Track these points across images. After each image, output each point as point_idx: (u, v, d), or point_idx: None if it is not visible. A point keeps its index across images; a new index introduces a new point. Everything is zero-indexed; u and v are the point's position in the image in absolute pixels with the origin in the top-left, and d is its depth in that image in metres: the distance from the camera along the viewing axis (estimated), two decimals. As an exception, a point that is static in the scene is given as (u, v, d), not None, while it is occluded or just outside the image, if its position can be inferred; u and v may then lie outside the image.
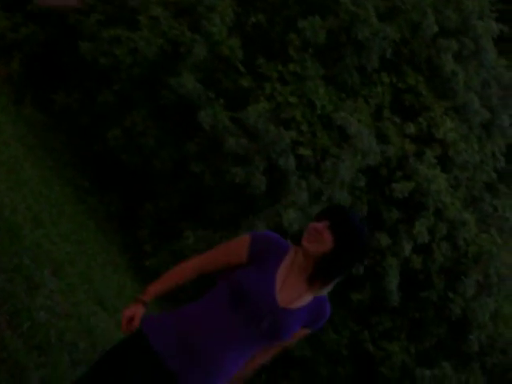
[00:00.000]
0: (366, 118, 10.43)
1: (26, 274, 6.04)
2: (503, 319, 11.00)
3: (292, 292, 3.57)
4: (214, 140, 10.01)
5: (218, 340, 3.48)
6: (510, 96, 12.03)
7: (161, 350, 3.50)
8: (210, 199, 10.32)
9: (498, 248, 10.80)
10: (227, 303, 3.51)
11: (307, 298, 3.58)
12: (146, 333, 3.57)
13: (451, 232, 10.66)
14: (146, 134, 10.53)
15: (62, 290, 6.64)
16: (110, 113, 10.88)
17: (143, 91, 10.75)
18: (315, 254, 3.53)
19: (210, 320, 3.51)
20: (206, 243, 9.23)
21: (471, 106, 11.23)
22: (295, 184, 9.77)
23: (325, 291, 3.65)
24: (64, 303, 6.32)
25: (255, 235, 3.69)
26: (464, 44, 11.25)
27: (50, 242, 7.57)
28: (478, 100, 11.31)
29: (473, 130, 11.41)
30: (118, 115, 10.70)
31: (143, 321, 3.62)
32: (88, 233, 9.64)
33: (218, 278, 3.63)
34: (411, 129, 10.67)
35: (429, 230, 10.37)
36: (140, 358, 3.53)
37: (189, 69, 10.19)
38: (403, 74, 11.03)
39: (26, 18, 11.75)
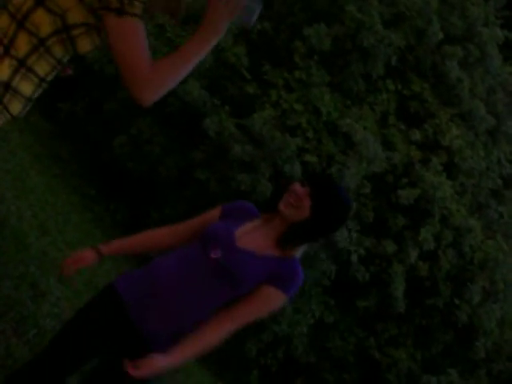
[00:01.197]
0: (371, 124, 10.43)
1: (31, 282, 6.06)
2: (509, 326, 10.98)
3: (254, 241, 3.54)
4: (220, 147, 10.02)
5: (179, 278, 3.49)
6: (515, 102, 12.03)
7: (127, 299, 3.51)
8: (216, 206, 10.31)
9: (504, 254, 10.78)
10: (196, 251, 3.56)
11: (272, 251, 3.52)
12: (117, 283, 3.59)
13: (457, 239, 10.64)
14: (152, 142, 10.56)
15: (67, 297, 6.66)
16: (116, 121, 10.91)
17: (149, 99, 10.76)
18: (290, 219, 3.49)
19: (174, 263, 3.55)
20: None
21: (477, 112, 11.23)
22: (301, 191, 9.76)
23: (294, 253, 3.56)
24: (70, 310, 6.33)
25: (229, 203, 3.89)
26: (469, 51, 11.26)
27: (56, 250, 7.58)
28: (484, 107, 11.31)
29: (478, 137, 11.41)
30: (124, 123, 10.73)
31: (118, 277, 3.66)
32: (94, 241, 9.64)
33: None
34: (417, 136, 10.67)
35: (434, 237, 10.35)
36: (108, 307, 3.55)
37: (194, 76, 10.21)
38: (408, 80, 11.04)
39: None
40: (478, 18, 11.38)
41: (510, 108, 11.92)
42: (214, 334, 3.41)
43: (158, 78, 2.99)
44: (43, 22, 2.93)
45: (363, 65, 10.57)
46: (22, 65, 2.97)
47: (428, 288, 10.65)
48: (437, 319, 10.75)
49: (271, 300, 3.46)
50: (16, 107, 3.04)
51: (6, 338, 4.96)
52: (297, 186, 3.51)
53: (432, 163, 10.54)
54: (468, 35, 11.38)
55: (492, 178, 11.51)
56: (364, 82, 10.73)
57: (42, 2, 2.93)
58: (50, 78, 3.16)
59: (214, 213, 3.81)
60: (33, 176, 9.33)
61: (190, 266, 3.49)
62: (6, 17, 2.97)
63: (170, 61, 3.11)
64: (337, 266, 10.13)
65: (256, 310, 3.46)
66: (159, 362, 3.30)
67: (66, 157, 11.22)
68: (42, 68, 3.06)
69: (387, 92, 10.84)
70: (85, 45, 3.04)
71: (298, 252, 3.57)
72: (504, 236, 11.28)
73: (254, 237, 3.54)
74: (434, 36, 10.85)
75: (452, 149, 10.82)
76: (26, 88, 3.02)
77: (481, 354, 10.71)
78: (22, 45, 2.94)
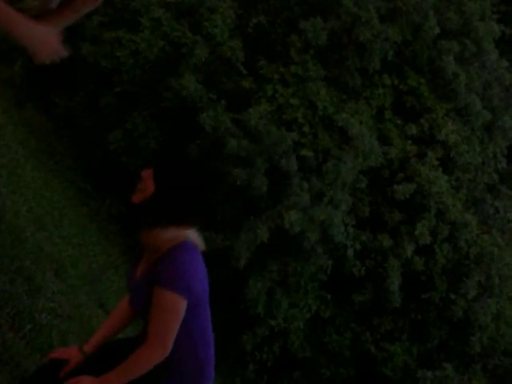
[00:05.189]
0: (367, 119, 10.43)
1: (27, 276, 6.04)
2: (505, 320, 10.98)
3: (142, 265, 3.51)
4: (216, 142, 10.01)
5: None
6: (511, 97, 12.02)
7: None
8: (212, 201, 10.29)
9: (500, 249, 10.79)
10: None
11: (153, 258, 3.41)
12: None
13: (453, 233, 10.65)
14: (148, 136, 10.53)
15: (63, 291, 6.64)
16: (111, 115, 10.89)
17: (145, 93, 10.76)
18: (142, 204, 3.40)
19: None
20: (208, 244, 9.22)
21: (473, 107, 11.23)
22: (297, 185, 9.77)
23: (173, 242, 3.40)
24: (66, 305, 6.32)
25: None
26: (465, 45, 11.25)
27: (51, 245, 7.57)
28: (480, 101, 11.31)
29: (474, 132, 11.41)
30: (120, 117, 10.71)
31: None
32: (90, 235, 9.64)
33: None
34: (413, 130, 10.67)
35: (430, 232, 10.36)
36: None
37: (190, 70, 10.20)
38: (405, 75, 11.03)
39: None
40: (474, 12, 11.38)
41: (506, 103, 11.92)
42: (138, 359, 3.37)
43: None
44: None
45: (359, 59, 10.56)
46: None
47: (424, 282, 10.66)
48: (432, 314, 10.76)
49: (159, 302, 3.32)
50: None
51: (2, 333, 4.94)
52: (143, 172, 3.44)
53: (428, 158, 10.54)
54: (464, 30, 11.38)
55: (488, 173, 11.52)
56: (360, 77, 10.72)
57: None
58: None
59: None
60: (28, 171, 9.31)
61: None
62: None
63: None
64: (333, 261, 10.14)
65: (155, 318, 3.34)
66: None
67: (61, 151, 11.20)
68: None
69: (383, 87, 10.83)
70: None
71: (181, 236, 3.42)
72: (499, 231, 11.30)
73: (144, 261, 3.52)
74: (431, 31, 10.85)
75: (448, 143, 10.82)
76: None
77: (476, 348, 10.72)
78: None
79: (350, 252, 10.11)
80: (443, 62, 10.96)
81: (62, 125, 11.58)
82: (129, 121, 10.61)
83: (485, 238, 10.81)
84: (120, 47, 10.47)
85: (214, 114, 9.95)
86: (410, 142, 10.66)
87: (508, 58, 12.31)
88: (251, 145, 9.79)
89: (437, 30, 10.88)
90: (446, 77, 11.09)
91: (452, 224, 10.63)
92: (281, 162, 9.74)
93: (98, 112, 11.08)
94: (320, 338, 10.50)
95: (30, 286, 5.93)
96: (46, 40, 3.40)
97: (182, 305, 3.32)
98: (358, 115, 10.35)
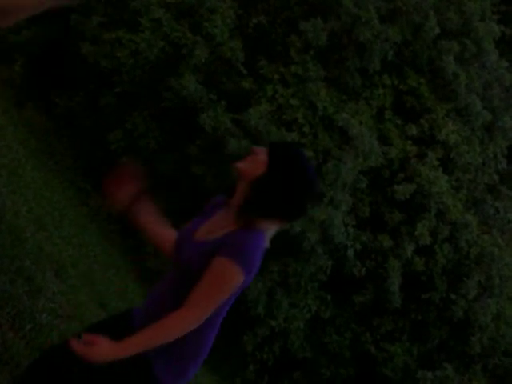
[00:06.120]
0: (367, 119, 10.43)
1: (28, 276, 6.04)
2: (505, 320, 10.98)
3: (211, 228, 3.41)
4: (216, 142, 10.01)
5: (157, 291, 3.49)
6: (511, 98, 12.02)
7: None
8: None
9: (500, 249, 10.79)
10: None
11: (229, 228, 3.33)
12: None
13: (453, 234, 10.65)
14: (148, 136, 10.54)
15: (64, 291, 6.64)
16: (111, 115, 10.89)
17: (145, 93, 10.76)
18: (246, 176, 3.32)
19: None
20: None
21: (473, 107, 11.23)
22: (297, 186, 9.75)
23: (257, 225, 3.32)
24: (66, 305, 6.32)
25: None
26: (465, 46, 11.26)
27: (52, 245, 7.57)
28: (480, 102, 11.31)
29: (475, 132, 11.41)
30: (120, 117, 10.71)
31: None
32: (90, 235, 9.64)
33: None
34: (413, 130, 10.67)
35: (431, 232, 10.36)
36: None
37: (190, 70, 10.20)
38: (405, 75, 11.03)
39: (28, 20, 11.76)
40: (474, 12, 11.38)
41: (507, 103, 11.93)
42: (172, 322, 3.25)
43: None
44: None
45: (359, 60, 10.56)
46: None
47: (424, 283, 10.66)
48: (433, 314, 10.76)
49: (218, 269, 3.21)
50: None
51: (2, 333, 4.94)
52: (255, 148, 3.37)
53: (428, 158, 10.54)
54: (464, 30, 11.38)
55: (488, 173, 11.52)
56: (360, 77, 10.72)
57: None
58: None
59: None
60: (28, 171, 9.31)
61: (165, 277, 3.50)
62: None
63: None
64: (333, 261, 10.13)
65: (206, 284, 3.22)
66: (106, 349, 3.15)
67: (61, 151, 11.20)
68: None
69: (383, 87, 10.83)
70: None
71: (263, 225, 3.32)
72: (500, 231, 11.29)
73: (212, 225, 3.41)
74: (431, 31, 10.85)
75: (448, 144, 10.82)
76: None
77: (476, 348, 10.73)
78: None
79: (350, 252, 10.11)
80: (443, 62, 10.96)
81: (62, 125, 11.59)
82: (129, 121, 10.61)
83: (485, 239, 10.81)
84: (120, 47, 10.48)
85: (214, 114, 9.95)
86: (410, 142, 10.66)
87: (508, 58, 12.31)
88: (251, 145, 9.77)
89: (437, 30, 10.88)
90: (446, 77, 11.09)
91: (452, 224, 10.62)
92: (281, 162, 9.73)
93: (98, 112, 11.08)
94: (320, 338, 10.50)
95: (30, 286, 5.93)
96: None
97: (239, 283, 3.26)
98: (358, 115, 10.35)
